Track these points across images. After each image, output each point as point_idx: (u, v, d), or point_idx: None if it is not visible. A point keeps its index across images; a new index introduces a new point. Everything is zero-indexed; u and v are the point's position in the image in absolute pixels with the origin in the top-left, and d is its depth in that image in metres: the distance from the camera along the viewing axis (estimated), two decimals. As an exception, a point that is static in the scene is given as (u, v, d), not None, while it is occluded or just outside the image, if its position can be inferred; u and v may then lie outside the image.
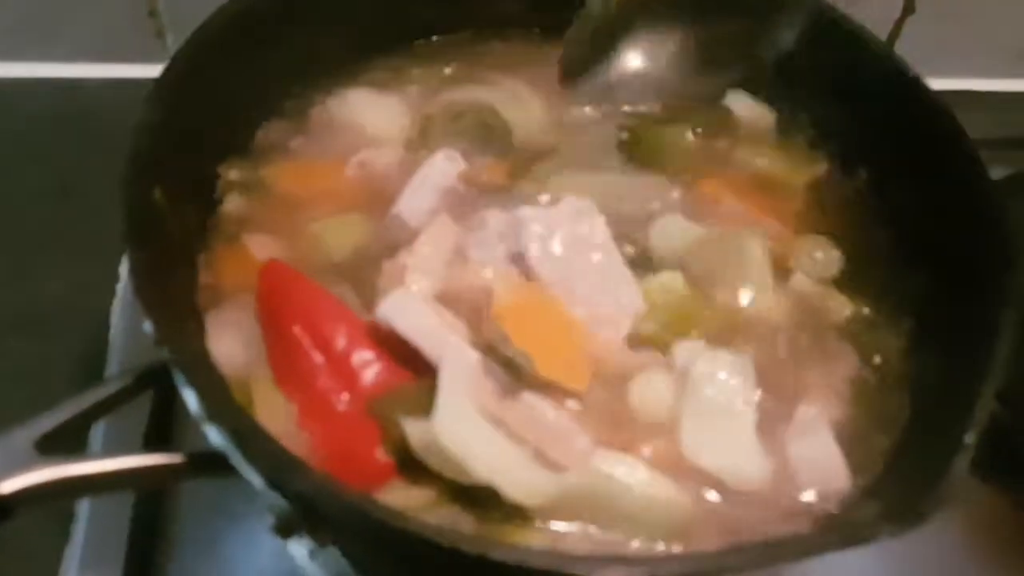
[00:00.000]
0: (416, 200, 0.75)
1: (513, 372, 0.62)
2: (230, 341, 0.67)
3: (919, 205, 0.75)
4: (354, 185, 0.78)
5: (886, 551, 0.59)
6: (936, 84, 0.77)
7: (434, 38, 0.90)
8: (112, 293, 0.95)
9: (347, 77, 0.85)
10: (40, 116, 1.11)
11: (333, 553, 0.72)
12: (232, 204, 0.76)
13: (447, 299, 0.68)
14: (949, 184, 0.73)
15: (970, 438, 0.56)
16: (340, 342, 0.64)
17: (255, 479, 0.57)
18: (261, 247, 0.73)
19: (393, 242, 0.72)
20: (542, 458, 0.58)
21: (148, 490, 0.74)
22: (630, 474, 0.58)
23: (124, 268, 0.95)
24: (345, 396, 0.63)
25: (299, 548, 0.74)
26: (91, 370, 0.88)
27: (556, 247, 0.69)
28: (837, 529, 0.53)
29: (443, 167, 0.76)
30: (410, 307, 0.65)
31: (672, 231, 0.74)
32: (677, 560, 0.49)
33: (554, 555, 0.49)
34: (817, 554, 0.51)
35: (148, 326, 0.57)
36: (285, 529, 0.59)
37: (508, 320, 0.65)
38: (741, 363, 0.64)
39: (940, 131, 0.74)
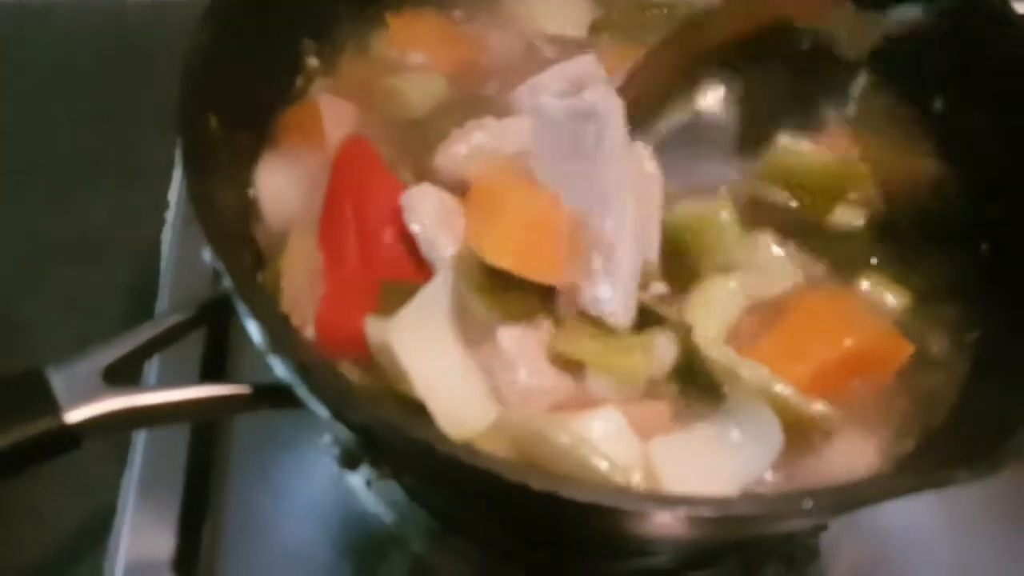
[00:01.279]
0: (550, 80, 0.73)
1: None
2: (282, 186, 0.70)
3: (997, 136, 0.72)
4: (462, 58, 0.79)
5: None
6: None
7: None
8: (159, 220, 0.94)
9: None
10: (82, 38, 1.10)
11: (390, 483, 0.73)
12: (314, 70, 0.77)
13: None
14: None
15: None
16: (377, 218, 0.65)
17: (320, 410, 0.57)
18: (332, 107, 0.74)
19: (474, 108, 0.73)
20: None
21: (210, 421, 0.74)
22: (585, 427, 0.57)
23: (173, 195, 0.94)
24: (359, 262, 0.64)
25: (356, 478, 0.75)
26: (141, 299, 0.87)
27: (561, 144, 0.66)
28: (912, 474, 0.52)
29: (588, 67, 0.74)
30: (428, 204, 0.64)
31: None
32: (754, 501, 0.49)
33: (631, 495, 0.48)
34: (891, 498, 0.51)
35: (211, 258, 0.56)
36: (350, 460, 0.59)
37: (480, 203, 0.64)
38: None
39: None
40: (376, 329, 0.59)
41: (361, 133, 0.73)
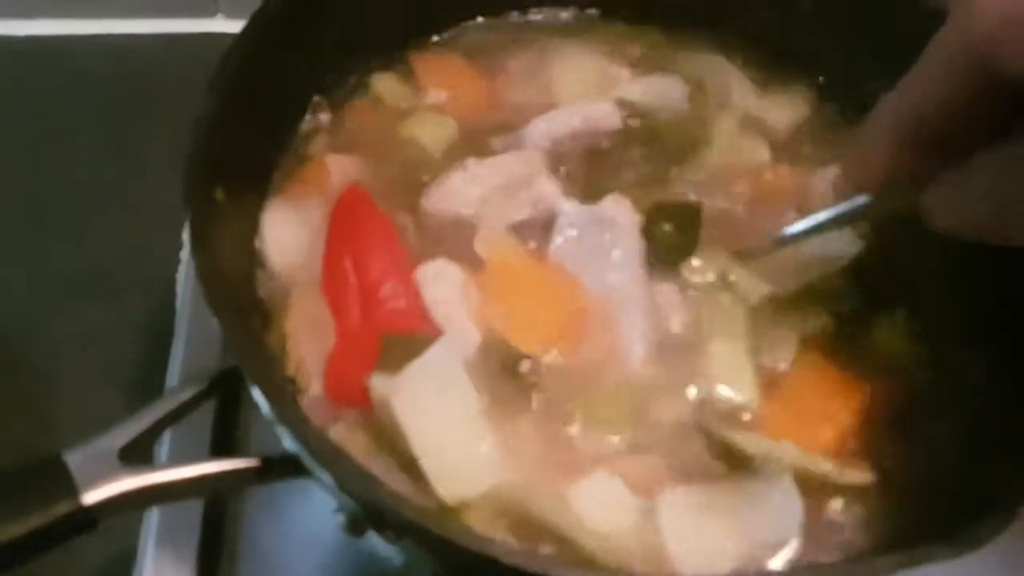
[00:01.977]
0: (561, 119, 0.76)
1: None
2: (288, 237, 0.73)
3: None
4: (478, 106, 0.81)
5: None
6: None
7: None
8: (174, 256, 0.96)
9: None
10: (95, 73, 1.12)
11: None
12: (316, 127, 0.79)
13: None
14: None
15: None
16: (378, 271, 0.68)
17: (328, 481, 0.59)
18: (339, 164, 0.77)
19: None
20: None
21: (225, 494, 0.76)
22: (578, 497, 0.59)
23: (187, 234, 0.96)
24: (361, 316, 0.67)
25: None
26: (156, 338, 0.90)
27: (579, 246, 0.69)
28: (890, 552, 0.54)
29: (605, 111, 0.77)
30: (445, 279, 0.67)
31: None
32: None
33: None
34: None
35: (219, 329, 0.59)
36: (355, 527, 0.62)
37: (493, 285, 0.67)
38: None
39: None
40: (379, 386, 0.61)
41: (367, 184, 0.75)
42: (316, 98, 0.80)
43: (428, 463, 0.58)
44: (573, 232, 0.69)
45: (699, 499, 0.60)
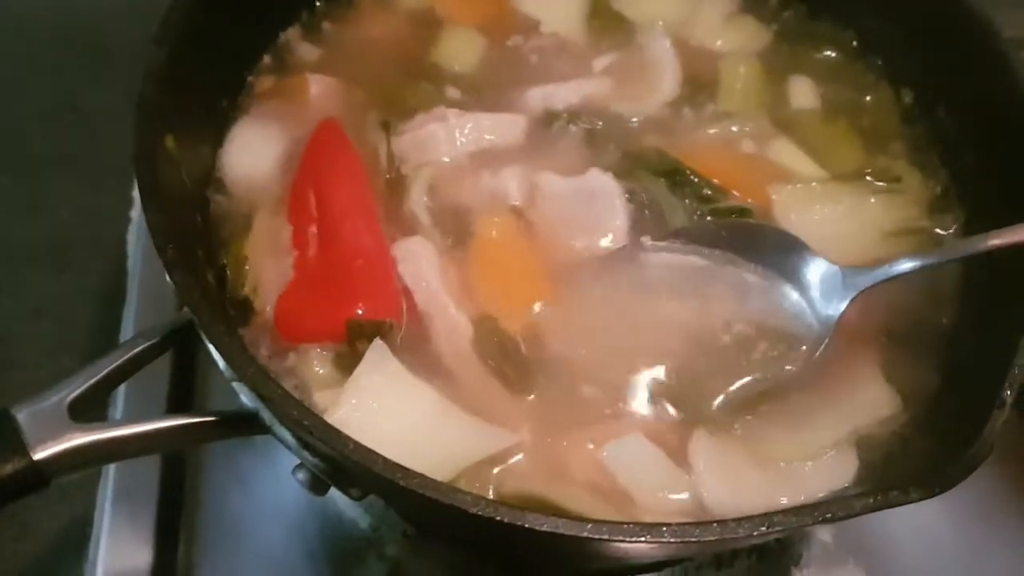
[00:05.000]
0: (566, 93, 0.76)
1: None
2: (255, 156, 0.72)
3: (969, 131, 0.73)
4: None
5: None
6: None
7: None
8: (124, 219, 0.94)
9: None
10: (45, 29, 1.08)
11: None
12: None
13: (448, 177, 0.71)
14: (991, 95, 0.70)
15: (1007, 395, 0.55)
16: (339, 209, 0.67)
17: (287, 437, 0.58)
18: (319, 83, 0.76)
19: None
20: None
21: (180, 449, 0.74)
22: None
23: (137, 193, 0.94)
24: (318, 252, 0.67)
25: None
26: (110, 301, 0.87)
27: (558, 207, 0.70)
28: (868, 493, 0.53)
29: (603, 88, 0.77)
30: (423, 256, 0.66)
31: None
32: (711, 528, 0.50)
33: (589, 524, 0.49)
34: (844, 518, 0.52)
35: (172, 286, 0.56)
36: (317, 485, 0.60)
37: (484, 257, 0.67)
38: None
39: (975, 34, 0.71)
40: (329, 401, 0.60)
41: (346, 100, 0.75)
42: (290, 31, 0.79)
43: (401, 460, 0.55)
44: (556, 203, 0.69)
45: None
